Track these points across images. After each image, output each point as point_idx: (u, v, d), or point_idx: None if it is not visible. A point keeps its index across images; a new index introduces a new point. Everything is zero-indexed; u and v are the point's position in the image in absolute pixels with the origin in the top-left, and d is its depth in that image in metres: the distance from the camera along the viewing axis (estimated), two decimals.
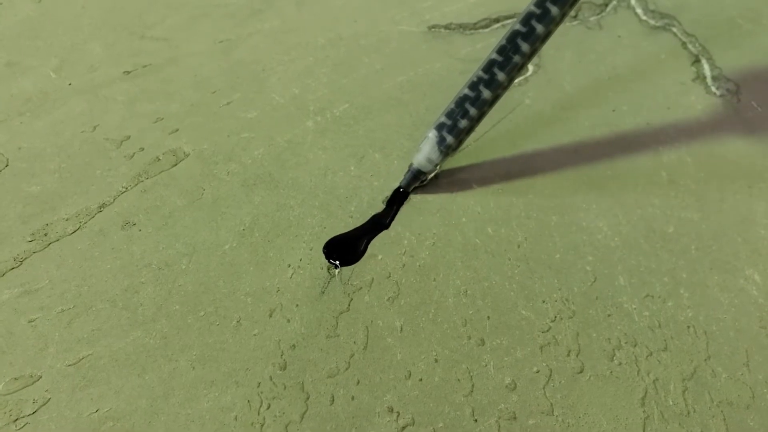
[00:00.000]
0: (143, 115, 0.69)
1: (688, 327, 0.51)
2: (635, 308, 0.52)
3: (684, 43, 0.77)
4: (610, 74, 0.74)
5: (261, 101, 0.71)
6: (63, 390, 0.47)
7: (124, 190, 0.61)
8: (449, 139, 0.58)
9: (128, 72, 0.75)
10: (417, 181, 0.60)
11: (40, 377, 0.48)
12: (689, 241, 0.56)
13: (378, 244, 0.57)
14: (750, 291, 0.53)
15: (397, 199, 0.61)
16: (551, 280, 0.54)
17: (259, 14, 0.83)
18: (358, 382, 0.48)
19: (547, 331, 0.50)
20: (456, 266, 0.55)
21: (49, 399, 0.47)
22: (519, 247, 0.56)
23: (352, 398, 0.47)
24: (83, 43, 0.79)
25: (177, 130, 0.67)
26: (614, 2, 0.85)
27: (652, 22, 0.81)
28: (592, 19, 0.82)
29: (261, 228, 0.58)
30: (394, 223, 0.58)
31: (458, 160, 0.64)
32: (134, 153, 0.65)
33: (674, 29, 0.80)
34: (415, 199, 0.60)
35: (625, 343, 0.50)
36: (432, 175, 0.62)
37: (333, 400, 0.47)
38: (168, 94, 0.72)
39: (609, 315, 0.51)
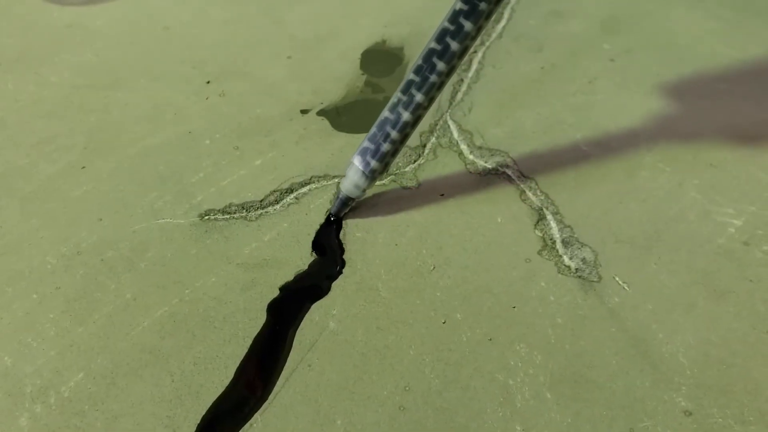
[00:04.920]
0: None
1: None
2: None
3: (522, 192, 0.63)
4: (433, 260, 0.57)
5: None
6: None
7: None
8: (374, 164, 0.57)
9: None
10: (347, 208, 0.60)
11: None
12: None
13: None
14: None
15: (327, 226, 0.60)
16: None
17: None
18: None
19: None
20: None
21: None
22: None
23: None
24: None
25: None
26: (433, 139, 0.70)
27: (481, 162, 0.66)
28: (407, 170, 0.66)
29: None
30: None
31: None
32: None
33: (508, 171, 0.65)
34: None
35: None
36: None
37: None
38: None
39: None
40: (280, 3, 0.96)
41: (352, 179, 0.58)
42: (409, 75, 0.54)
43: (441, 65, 0.52)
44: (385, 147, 0.56)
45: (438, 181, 0.64)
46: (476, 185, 0.63)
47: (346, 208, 0.60)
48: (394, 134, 0.55)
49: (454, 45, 0.51)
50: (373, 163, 0.56)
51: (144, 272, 0.56)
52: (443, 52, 0.51)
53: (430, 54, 0.52)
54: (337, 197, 0.60)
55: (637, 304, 0.52)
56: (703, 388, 0.47)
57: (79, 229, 0.60)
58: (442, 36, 0.51)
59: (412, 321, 0.52)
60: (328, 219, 0.60)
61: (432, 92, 0.53)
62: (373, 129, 0.56)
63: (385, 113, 0.55)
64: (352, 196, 0.59)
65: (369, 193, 0.61)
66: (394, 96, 0.55)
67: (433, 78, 0.52)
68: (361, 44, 0.86)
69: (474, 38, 0.51)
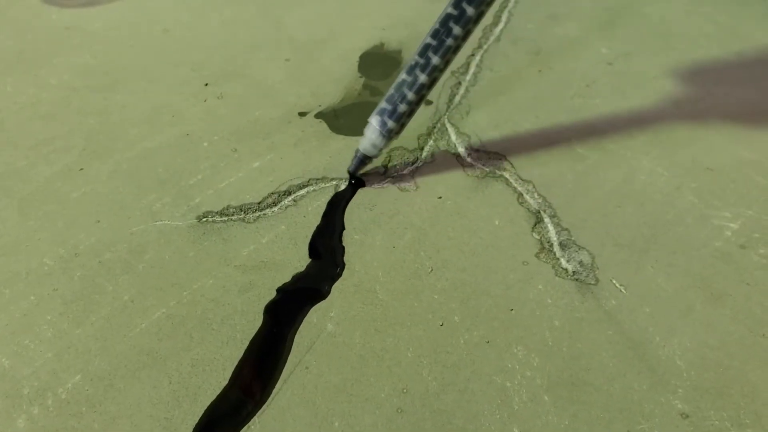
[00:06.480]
0: None
1: None
2: None
3: (520, 195, 0.63)
4: (431, 263, 0.57)
5: None
6: None
7: None
8: (390, 123, 0.60)
9: None
10: (364, 166, 0.64)
11: None
12: None
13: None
14: None
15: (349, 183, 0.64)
16: None
17: None
18: None
19: None
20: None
21: None
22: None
23: None
24: None
25: None
26: (431, 142, 0.70)
27: (478, 165, 0.67)
28: (405, 172, 0.66)
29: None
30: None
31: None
32: None
33: (506, 174, 0.65)
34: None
35: None
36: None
37: None
38: None
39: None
40: (279, 5, 0.96)
41: (369, 138, 0.61)
42: (426, 39, 0.56)
43: (457, 29, 0.55)
44: (402, 108, 0.59)
45: (436, 184, 0.64)
46: (474, 188, 0.64)
47: (363, 166, 0.64)
48: (410, 95, 0.58)
49: (470, 10, 0.54)
50: (390, 123, 0.60)
51: (142, 274, 0.56)
52: (459, 17, 0.54)
53: (446, 19, 0.55)
54: (355, 156, 0.63)
55: (634, 307, 0.52)
56: (700, 391, 0.47)
57: (77, 230, 0.60)
58: (458, 2, 0.54)
59: (409, 323, 0.52)
60: (349, 178, 0.64)
61: (448, 55, 0.56)
62: (391, 90, 0.59)
63: (402, 75, 0.58)
64: (369, 155, 0.62)
65: (369, 196, 0.63)
66: (410, 59, 0.58)
67: (449, 41, 0.55)
68: (360, 47, 0.86)
69: (489, 4, 0.54)
